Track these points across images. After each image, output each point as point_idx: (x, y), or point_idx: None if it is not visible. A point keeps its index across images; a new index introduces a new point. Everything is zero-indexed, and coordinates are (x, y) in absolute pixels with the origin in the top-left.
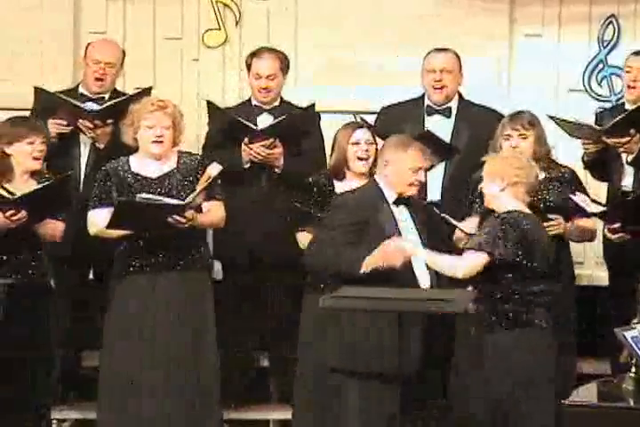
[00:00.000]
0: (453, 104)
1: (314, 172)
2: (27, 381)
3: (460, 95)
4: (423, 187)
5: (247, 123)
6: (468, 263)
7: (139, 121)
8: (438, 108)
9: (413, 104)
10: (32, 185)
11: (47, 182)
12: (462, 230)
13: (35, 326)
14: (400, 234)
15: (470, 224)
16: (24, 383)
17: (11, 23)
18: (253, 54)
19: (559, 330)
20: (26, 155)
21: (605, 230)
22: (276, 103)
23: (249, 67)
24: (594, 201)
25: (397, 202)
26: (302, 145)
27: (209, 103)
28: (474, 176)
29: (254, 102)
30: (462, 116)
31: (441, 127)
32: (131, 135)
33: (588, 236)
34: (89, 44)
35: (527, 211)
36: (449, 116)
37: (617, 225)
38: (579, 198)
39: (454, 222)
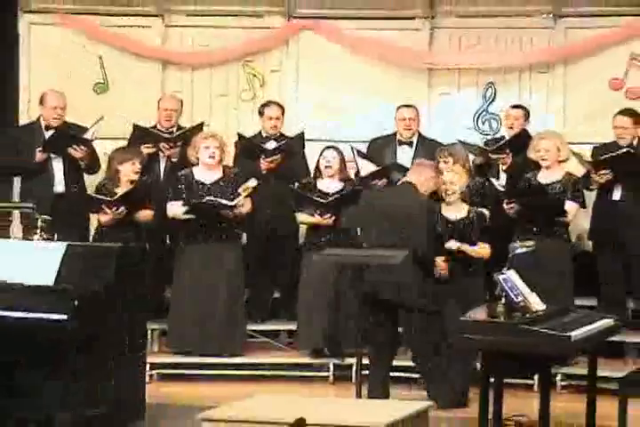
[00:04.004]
0: (415, 138)
1: (301, 174)
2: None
3: (419, 132)
4: None
5: (263, 146)
6: None
7: (199, 145)
8: (405, 141)
9: (390, 138)
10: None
11: (132, 186)
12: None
13: (137, 276)
14: None
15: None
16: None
17: (118, 88)
18: (264, 105)
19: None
20: (128, 170)
21: (504, 204)
22: (278, 134)
23: (261, 113)
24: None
25: None
26: (295, 157)
27: (239, 135)
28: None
29: (264, 134)
30: (420, 146)
31: (407, 154)
32: (194, 155)
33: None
34: (160, 98)
35: None
36: (412, 146)
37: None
38: (495, 181)
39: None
